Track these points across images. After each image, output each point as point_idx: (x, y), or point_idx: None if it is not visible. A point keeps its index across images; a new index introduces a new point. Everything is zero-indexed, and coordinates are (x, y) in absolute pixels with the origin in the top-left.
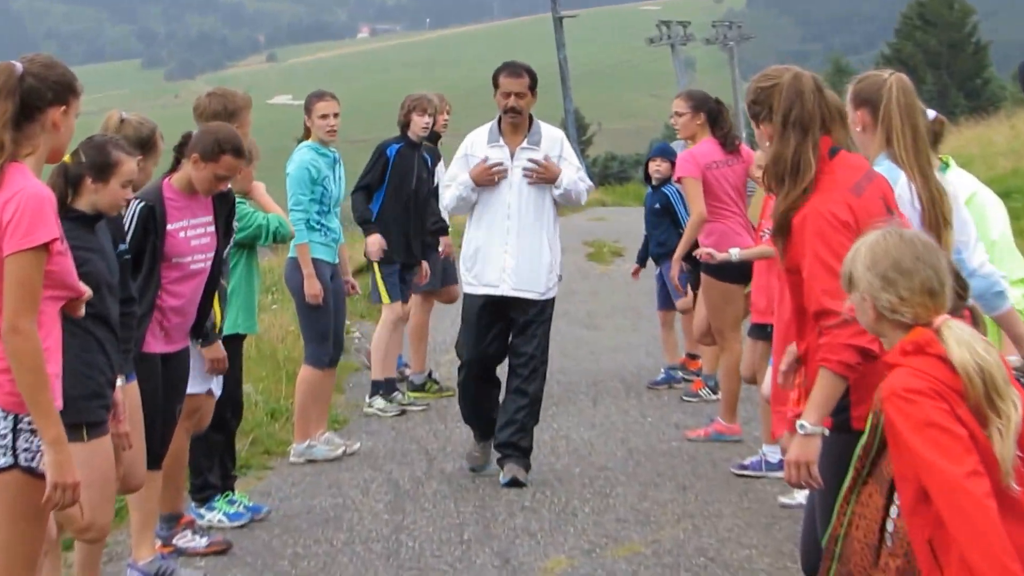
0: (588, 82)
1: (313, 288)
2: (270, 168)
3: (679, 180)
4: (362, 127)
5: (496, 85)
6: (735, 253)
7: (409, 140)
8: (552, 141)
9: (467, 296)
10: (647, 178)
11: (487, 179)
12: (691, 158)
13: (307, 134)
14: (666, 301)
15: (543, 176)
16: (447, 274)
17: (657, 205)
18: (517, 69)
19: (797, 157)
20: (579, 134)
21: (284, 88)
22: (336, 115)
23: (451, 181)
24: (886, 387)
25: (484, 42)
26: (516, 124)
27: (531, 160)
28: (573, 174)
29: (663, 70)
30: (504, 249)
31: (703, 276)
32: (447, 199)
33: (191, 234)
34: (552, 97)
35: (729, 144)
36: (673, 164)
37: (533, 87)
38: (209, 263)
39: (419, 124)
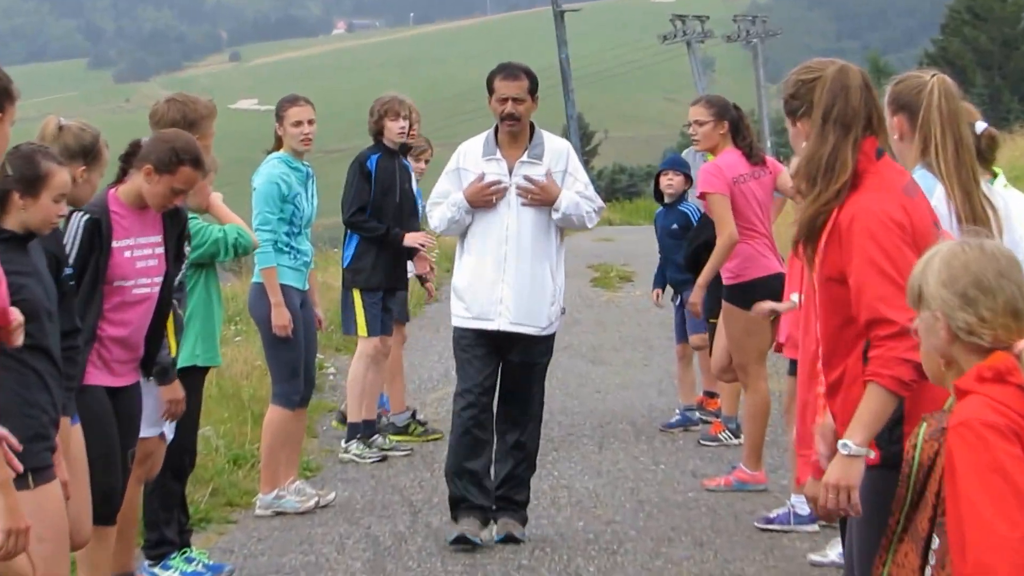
0: (593, 84)
1: (282, 318)
2: (233, 183)
3: (702, 196)
4: (338, 135)
5: (491, 90)
6: (796, 299)
7: (386, 148)
8: (556, 154)
9: (458, 329)
10: (658, 194)
11: (484, 200)
12: (717, 172)
13: (278, 144)
14: (685, 333)
15: (538, 197)
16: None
17: (675, 225)
18: (514, 71)
19: (834, 157)
20: (583, 143)
21: (249, 91)
22: (311, 122)
23: (441, 198)
24: (956, 416)
25: (475, 40)
26: (515, 134)
27: (526, 178)
28: (576, 195)
29: (678, 71)
30: (501, 278)
31: (724, 304)
32: (436, 219)
33: (137, 254)
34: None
35: (754, 156)
36: (687, 177)
37: (533, 91)
38: (156, 289)
39: (394, 130)
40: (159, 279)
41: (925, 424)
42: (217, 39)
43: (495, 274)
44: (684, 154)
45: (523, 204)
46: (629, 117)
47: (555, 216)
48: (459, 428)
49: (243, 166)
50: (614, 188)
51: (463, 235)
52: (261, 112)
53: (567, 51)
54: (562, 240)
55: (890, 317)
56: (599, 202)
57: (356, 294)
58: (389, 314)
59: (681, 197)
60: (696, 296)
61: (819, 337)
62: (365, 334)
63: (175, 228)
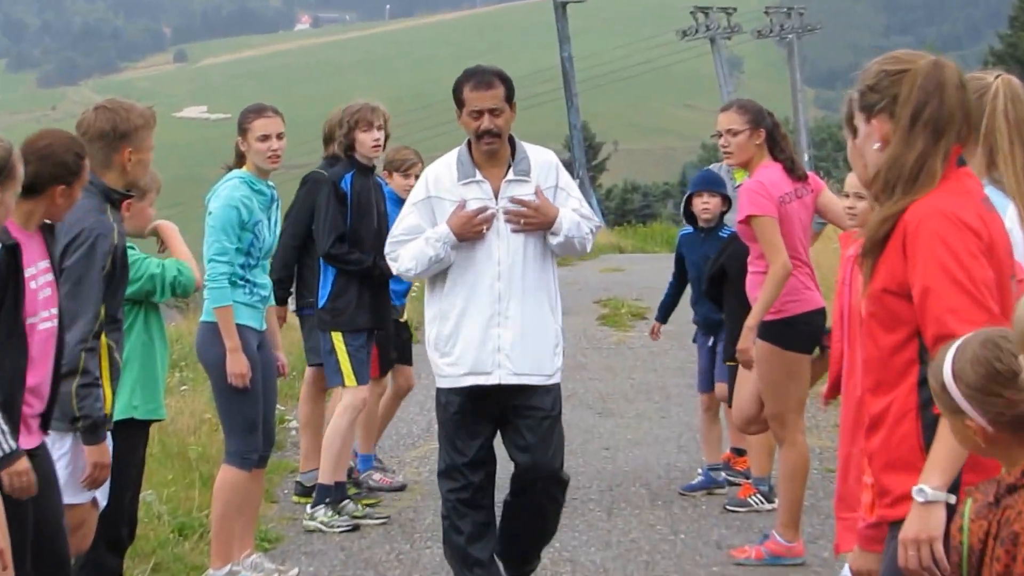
0: (600, 88)
1: (239, 365)
2: (179, 204)
3: (747, 220)
4: (302, 149)
5: (459, 102)
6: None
7: (360, 165)
8: (544, 168)
9: (443, 392)
10: (689, 218)
11: (473, 231)
12: (763, 190)
13: (239, 160)
14: (711, 381)
15: (534, 221)
16: (402, 350)
17: (713, 256)
18: (486, 77)
19: (920, 163)
20: (588, 157)
21: (196, 97)
22: (280, 136)
23: (410, 234)
24: None
25: (462, 36)
26: (495, 152)
27: (514, 200)
28: (573, 213)
29: (699, 72)
30: (497, 321)
31: (759, 344)
32: (409, 259)
33: (40, 283)
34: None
35: (797, 170)
36: (725, 198)
37: (510, 98)
38: (55, 323)
39: (367, 143)
40: (56, 311)
41: (971, 500)
42: (159, 36)
43: (490, 317)
44: (708, 168)
45: (514, 231)
46: (642, 127)
47: (553, 241)
48: (452, 513)
49: (190, 185)
50: (625, 210)
51: (437, 276)
52: (211, 122)
53: (570, 49)
54: (555, 273)
55: (962, 334)
56: (596, 220)
57: (337, 338)
58: (385, 354)
59: (718, 221)
60: (746, 341)
61: (864, 360)
62: (353, 383)
63: (54, 245)
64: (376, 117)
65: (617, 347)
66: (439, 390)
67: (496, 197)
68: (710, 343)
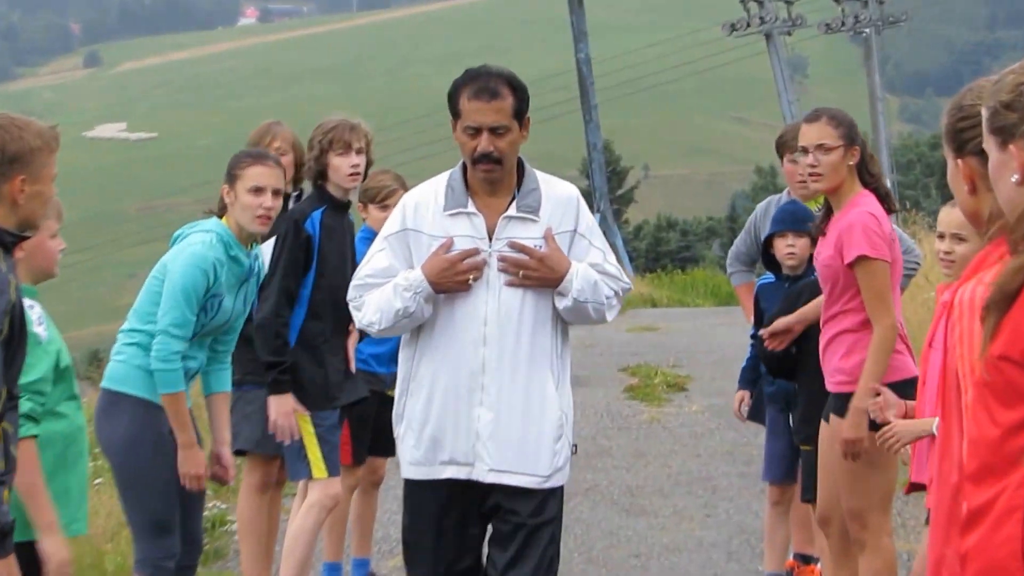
0: (627, 98)
1: (193, 464)
2: (90, 248)
3: (855, 263)
4: None
5: (455, 112)
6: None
7: (332, 200)
8: (559, 205)
9: (412, 485)
10: (771, 263)
11: (455, 280)
12: (879, 228)
13: (221, 210)
14: (786, 467)
15: (535, 275)
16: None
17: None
18: (491, 83)
19: None
20: (612, 185)
21: (113, 111)
22: (276, 193)
23: (378, 278)
24: None
25: (450, 33)
26: (495, 180)
27: (513, 245)
28: (593, 269)
29: (752, 76)
30: (479, 398)
31: (833, 420)
32: (373, 311)
33: None
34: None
35: (890, 201)
36: (812, 239)
37: (521, 112)
38: None
39: (343, 170)
40: None
41: None
42: (66, 35)
43: (470, 392)
44: (767, 203)
45: (509, 284)
46: (680, 146)
47: (562, 305)
48: None
49: (105, 224)
50: (659, 252)
51: (411, 334)
52: (131, 143)
53: (587, 48)
54: (567, 337)
55: None
56: (625, 280)
57: (302, 416)
58: (363, 432)
59: (806, 267)
60: (859, 428)
61: (969, 440)
62: (323, 474)
63: None
64: (355, 138)
65: (649, 427)
66: (405, 480)
67: (490, 237)
68: (789, 419)
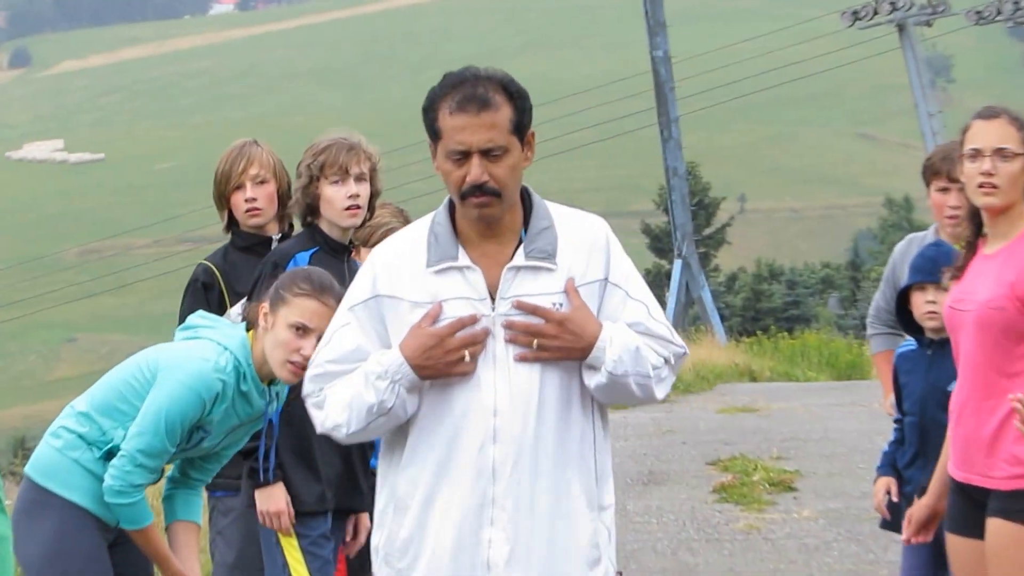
0: (717, 109)
1: None
2: (17, 304)
3: None
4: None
5: (434, 132)
6: None
7: (327, 240)
8: (584, 246)
9: None
10: (910, 324)
11: (446, 365)
12: None
13: (250, 323)
14: None
15: (553, 344)
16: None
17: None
18: (478, 89)
19: None
20: (697, 221)
21: (47, 125)
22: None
23: (341, 362)
24: None
25: (477, 24)
26: (493, 220)
27: (522, 306)
28: (632, 330)
29: (880, 80)
30: (489, 516)
31: (997, 526)
32: (337, 412)
33: None
34: (639, 142)
35: None
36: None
37: (522, 126)
38: None
39: (337, 203)
40: None
41: None
42: None
43: (478, 509)
44: (907, 243)
45: (520, 359)
46: (785, 172)
47: (593, 382)
48: None
49: (36, 273)
50: (758, 310)
51: (393, 435)
52: (70, 165)
53: (666, 45)
54: (605, 421)
55: None
56: (678, 343)
57: (289, 539)
58: (363, 560)
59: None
60: None
61: None
62: None
63: None
64: (355, 161)
65: (747, 538)
66: None
67: (493, 297)
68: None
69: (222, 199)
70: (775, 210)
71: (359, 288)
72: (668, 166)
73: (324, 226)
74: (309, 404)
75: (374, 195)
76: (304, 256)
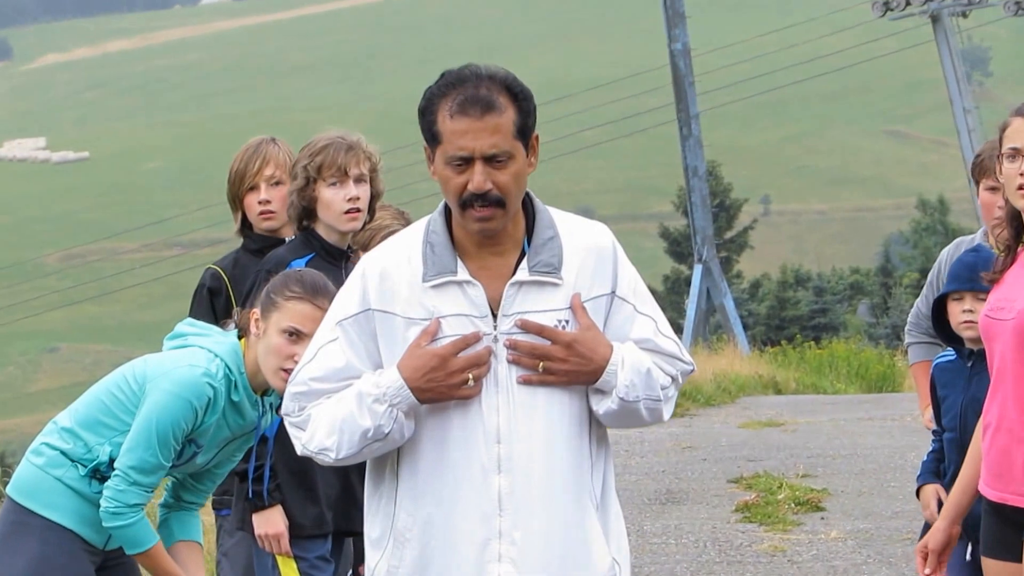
0: (738, 106)
1: None
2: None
3: None
4: (217, 214)
5: (432, 135)
6: None
7: (324, 245)
8: (591, 258)
9: None
10: (948, 336)
11: (448, 388)
12: None
13: (242, 331)
14: None
15: (561, 368)
16: None
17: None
18: (480, 89)
19: None
20: (719, 224)
21: (27, 122)
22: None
23: (327, 380)
24: None
25: (491, 14)
26: (493, 232)
27: (523, 325)
28: (640, 348)
29: (914, 76)
30: (495, 553)
31: None
32: (325, 434)
33: None
34: (657, 139)
35: None
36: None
37: (527, 129)
38: None
39: (336, 206)
40: None
41: None
42: None
43: (484, 543)
44: (955, 246)
45: (524, 381)
46: (812, 172)
47: (603, 408)
48: None
49: (16, 279)
50: (783, 318)
51: (384, 459)
52: (52, 164)
53: (686, 37)
54: (606, 442)
55: None
56: (686, 359)
57: (286, 560)
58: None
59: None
60: None
61: None
62: None
63: None
64: (354, 161)
65: (771, 560)
66: None
67: (494, 314)
68: (968, 553)
69: (236, 200)
70: (800, 213)
71: (348, 300)
72: (687, 165)
73: (321, 230)
74: (289, 425)
75: (374, 197)
76: (299, 263)
